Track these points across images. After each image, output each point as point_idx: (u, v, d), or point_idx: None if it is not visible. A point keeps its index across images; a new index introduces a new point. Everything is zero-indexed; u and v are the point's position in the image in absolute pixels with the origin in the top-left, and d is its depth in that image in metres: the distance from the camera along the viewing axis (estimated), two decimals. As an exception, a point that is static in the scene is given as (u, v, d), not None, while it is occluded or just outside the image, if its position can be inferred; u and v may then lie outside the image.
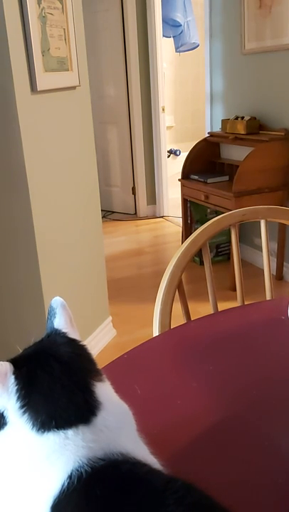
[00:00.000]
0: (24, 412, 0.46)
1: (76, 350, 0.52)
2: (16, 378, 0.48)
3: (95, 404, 0.48)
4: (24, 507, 0.45)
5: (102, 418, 0.48)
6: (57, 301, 0.56)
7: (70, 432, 0.46)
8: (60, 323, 0.54)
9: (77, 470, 0.43)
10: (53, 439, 0.45)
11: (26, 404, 0.47)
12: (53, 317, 0.55)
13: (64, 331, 0.54)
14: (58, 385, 0.48)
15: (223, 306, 1.12)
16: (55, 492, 0.43)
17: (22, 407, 0.47)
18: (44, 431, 0.46)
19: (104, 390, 0.51)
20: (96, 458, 0.44)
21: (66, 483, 0.43)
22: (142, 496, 0.42)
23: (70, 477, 0.43)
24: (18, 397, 0.47)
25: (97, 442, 0.46)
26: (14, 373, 0.48)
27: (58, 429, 0.46)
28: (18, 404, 0.47)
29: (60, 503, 0.42)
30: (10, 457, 0.47)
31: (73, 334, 0.54)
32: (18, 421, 0.46)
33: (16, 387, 0.47)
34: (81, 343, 0.54)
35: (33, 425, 0.46)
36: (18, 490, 0.45)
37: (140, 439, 0.51)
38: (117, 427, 0.48)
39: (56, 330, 0.54)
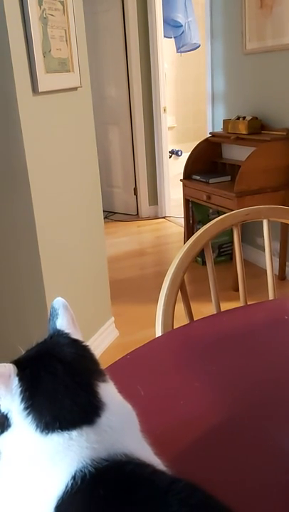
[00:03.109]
0: (28, 414, 0.46)
1: (79, 351, 0.52)
2: (20, 380, 0.47)
3: (99, 404, 0.48)
4: (28, 507, 0.45)
5: (105, 419, 0.48)
6: (59, 302, 0.56)
7: (74, 433, 0.46)
8: (62, 323, 0.54)
9: (81, 471, 0.43)
10: (57, 440, 0.45)
11: (30, 406, 0.47)
12: (55, 318, 0.55)
13: (66, 331, 0.54)
14: (61, 386, 0.47)
15: (225, 306, 1.12)
16: (58, 493, 0.43)
17: (26, 408, 0.47)
18: (48, 432, 0.46)
19: (108, 391, 0.51)
20: (100, 458, 0.44)
21: (70, 484, 0.43)
22: (145, 497, 0.42)
23: (73, 478, 0.43)
24: (22, 399, 0.47)
25: (100, 443, 0.46)
26: (18, 375, 0.48)
27: (62, 430, 0.46)
28: (22, 406, 0.47)
29: (63, 504, 0.42)
30: (14, 458, 0.47)
31: (76, 335, 0.54)
32: (22, 422, 0.46)
33: (20, 389, 0.47)
34: (84, 343, 0.53)
35: (37, 426, 0.46)
36: (23, 491, 0.45)
37: (144, 439, 0.51)
38: (121, 428, 0.48)
39: (59, 331, 0.54)
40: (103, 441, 0.46)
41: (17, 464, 0.47)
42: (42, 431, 0.46)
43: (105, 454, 0.45)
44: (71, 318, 0.55)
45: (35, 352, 0.51)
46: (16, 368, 0.48)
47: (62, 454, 0.45)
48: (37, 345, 0.53)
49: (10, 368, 0.48)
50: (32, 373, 0.48)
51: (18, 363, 0.49)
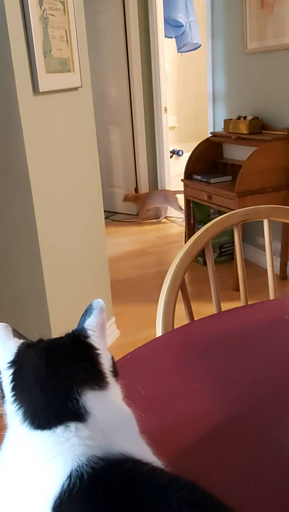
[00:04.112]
0: (13, 403, 0.48)
1: (79, 357, 0.52)
2: (10, 367, 0.50)
3: (79, 412, 0.48)
4: (25, 506, 0.44)
5: (87, 426, 0.47)
6: (98, 303, 0.56)
7: (47, 434, 0.46)
8: (90, 322, 0.55)
9: (77, 470, 0.43)
10: (42, 436, 0.46)
11: (14, 397, 0.49)
12: (86, 315, 0.55)
13: (89, 332, 0.54)
14: (38, 387, 0.48)
15: (226, 306, 1.12)
16: (55, 492, 0.43)
17: (12, 396, 0.49)
18: (30, 427, 0.47)
19: (97, 399, 0.50)
20: (95, 457, 0.44)
21: (67, 484, 0.43)
22: (145, 494, 0.42)
23: (70, 477, 0.43)
24: (11, 388, 0.49)
25: (90, 444, 0.46)
26: (9, 363, 0.50)
27: (41, 430, 0.46)
28: (10, 394, 0.49)
29: (62, 505, 0.42)
30: (11, 452, 0.48)
31: (98, 339, 0.54)
32: (12, 411, 0.48)
33: (11, 377, 0.49)
34: (96, 351, 0.53)
35: (22, 419, 0.47)
36: (19, 488, 0.45)
37: (142, 441, 0.50)
38: (110, 434, 0.48)
39: (82, 328, 0.54)
40: (94, 442, 0.46)
41: (14, 458, 0.47)
42: (26, 424, 0.47)
43: (100, 453, 0.45)
44: (101, 322, 0.55)
45: (38, 347, 0.52)
46: (17, 350, 0.51)
47: (53, 450, 0.45)
48: (49, 340, 0.54)
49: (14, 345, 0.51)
50: (19, 367, 0.50)
51: (21, 349, 0.51)
